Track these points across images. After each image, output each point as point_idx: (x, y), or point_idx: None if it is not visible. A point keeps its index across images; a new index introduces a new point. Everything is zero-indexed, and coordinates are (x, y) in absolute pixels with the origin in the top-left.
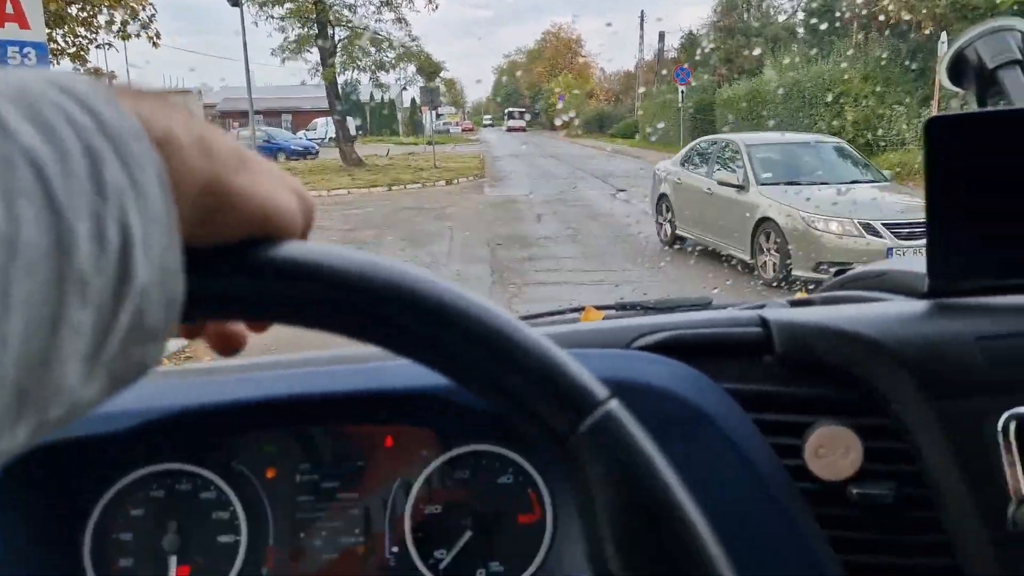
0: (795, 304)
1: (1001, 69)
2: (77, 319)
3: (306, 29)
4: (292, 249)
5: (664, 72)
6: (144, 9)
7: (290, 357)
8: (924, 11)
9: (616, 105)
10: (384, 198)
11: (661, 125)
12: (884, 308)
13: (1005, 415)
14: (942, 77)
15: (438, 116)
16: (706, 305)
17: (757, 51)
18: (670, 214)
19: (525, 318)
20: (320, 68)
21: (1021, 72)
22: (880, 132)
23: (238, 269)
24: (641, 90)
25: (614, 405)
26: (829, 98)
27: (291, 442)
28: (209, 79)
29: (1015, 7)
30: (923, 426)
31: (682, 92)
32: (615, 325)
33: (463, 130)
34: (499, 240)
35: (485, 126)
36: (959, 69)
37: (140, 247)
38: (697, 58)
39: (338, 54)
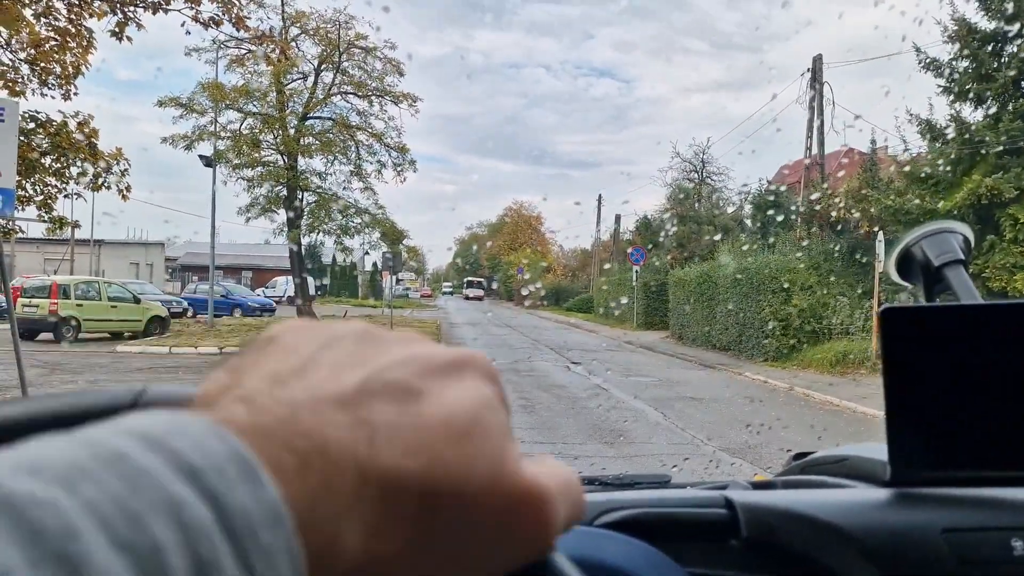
0: (757, 487)
1: (946, 267)
2: None
3: (275, 192)
4: None
5: (618, 253)
6: (118, 163)
7: None
8: (862, 211)
9: (573, 280)
10: None
11: (618, 301)
12: (849, 495)
13: None
14: (890, 271)
15: (398, 281)
16: (665, 483)
17: (718, 236)
18: None
19: None
20: (286, 229)
21: (964, 270)
22: (824, 321)
23: None
24: (606, 266)
25: None
26: (781, 285)
27: None
28: (178, 233)
29: (947, 214)
30: None
31: (636, 272)
32: None
33: (422, 296)
34: None
35: (444, 293)
36: (906, 265)
37: None
38: (651, 242)
39: (305, 217)
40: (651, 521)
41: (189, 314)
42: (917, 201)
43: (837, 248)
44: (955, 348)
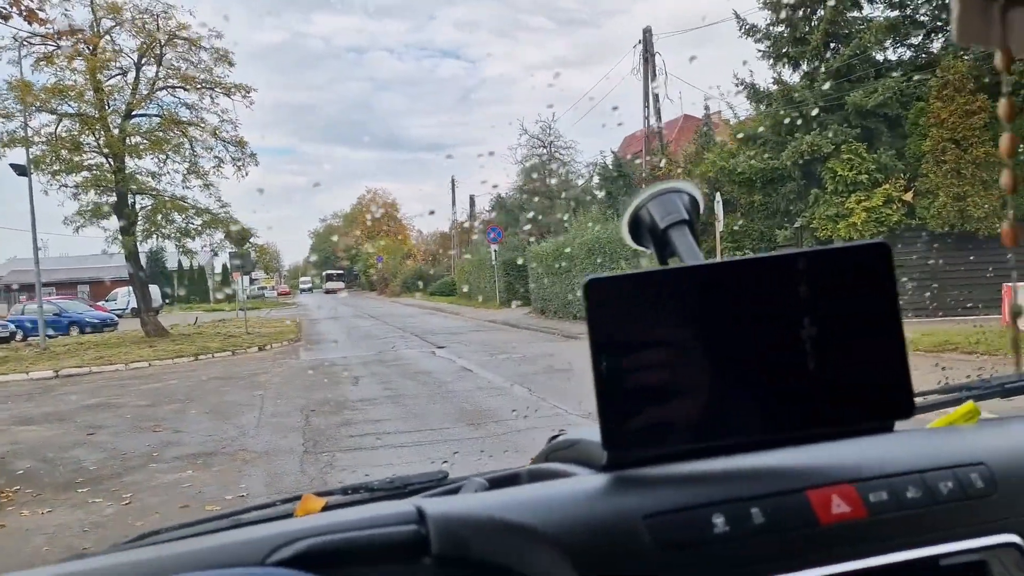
0: (494, 483)
1: (671, 229)
2: None
3: (103, 197)
4: None
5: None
6: None
7: None
8: (699, 174)
9: (434, 264)
10: (189, 369)
11: (478, 283)
12: (555, 488)
13: None
14: (624, 236)
15: (252, 281)
16: (441, 480)
17: (566, 216)
18: None
19: (229, 515)
20: (119, 236)
21: (689, 231)
22: None
23: None
24: (465, 255)
25: None
26: (633, 251)
27: None
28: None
29: (775, 172)
30: None
31: (495, 250)
32: (250, 537)
33: (279, 294)
34: (313, 407)
35: (303, 289)
36: (636, 229)
37: None
38: (507, 220)
39: (139, 222)
40: (330, 549)
41: (18, 338)
42: (752, 162)
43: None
44: (659, 316)
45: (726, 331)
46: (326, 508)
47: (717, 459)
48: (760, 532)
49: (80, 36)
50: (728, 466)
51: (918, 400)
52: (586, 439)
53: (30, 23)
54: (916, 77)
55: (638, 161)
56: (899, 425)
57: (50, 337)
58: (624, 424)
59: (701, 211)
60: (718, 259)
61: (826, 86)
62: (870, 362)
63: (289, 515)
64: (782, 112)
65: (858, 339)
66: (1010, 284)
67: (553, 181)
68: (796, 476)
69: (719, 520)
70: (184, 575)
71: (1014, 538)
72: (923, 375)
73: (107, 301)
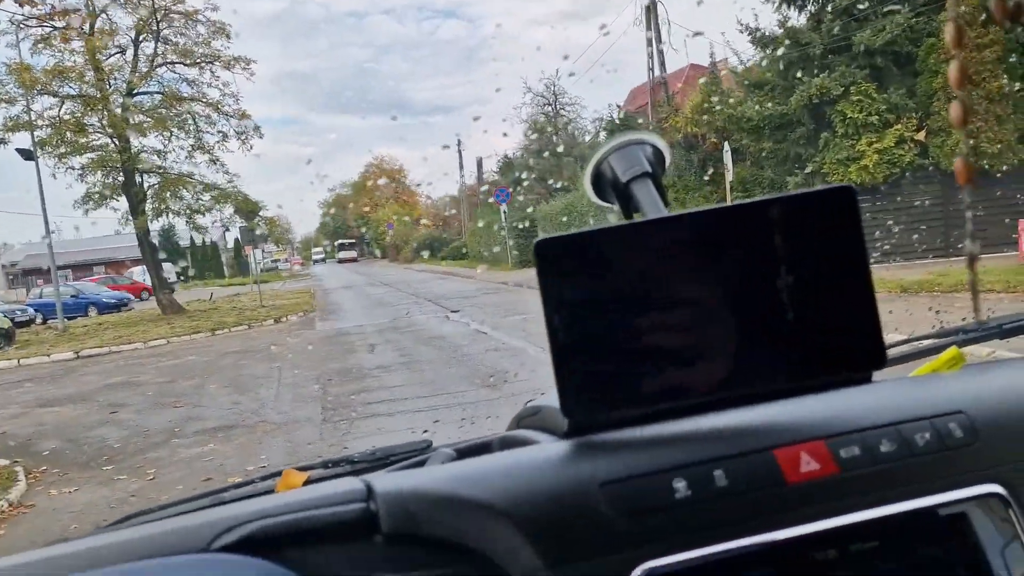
0: (463, 453)
1: (633, 182)
2: None
3: (111, 178)
4: None
5: (485, 196)
6: None
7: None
8: (707, 125)
9: (445, 229)
10: (207, 344)
11: (489, 245)
12: (513, 458)
13: (637, 572)
14: (588, 192)
15: (264, 254)
16: (425, 449)
17: (566, 173)
18: None
19: (212, 493)
20: (131, 217)
21: (652, 184)
22: None
23: None
24: (478, 220)
25: None
26: None
27: None
28: (14, 236)
29: (784, 117)
30: None
31: (504, 212)
32: (196, 523)
33: (293, 265)
34: (330, 376)
35: (316, 260)
36: (599, 184)
37: None
38: (515, 180)
39: (149, 201)
40: (276, 532)
41: (38, 321)
42: (757, 108)
43: (687, 163)
44: (614, 274)
45: (686, 286)
46: (308, 482)
47: (682, 421)
48: (724, 495)
49: (76, 15)
50: (692, 428)
51: (910, 347)
52: (549, 405)
53: (21, 5)
54: (925, 6)
55: (641, 121)
56: (879, 375)
57: (69, 318)
58: (583, 389)
59: (667, 163)
60: (677, 211)
61: (836, 29)
62: (839, 311)
63: (271, 491)
64: (788, 52)
65: (825, 288)
66: None
67: (558, 139)
68: (763, 434)
69: (680, 484)
70: (124, 565)
71: (997, 488)
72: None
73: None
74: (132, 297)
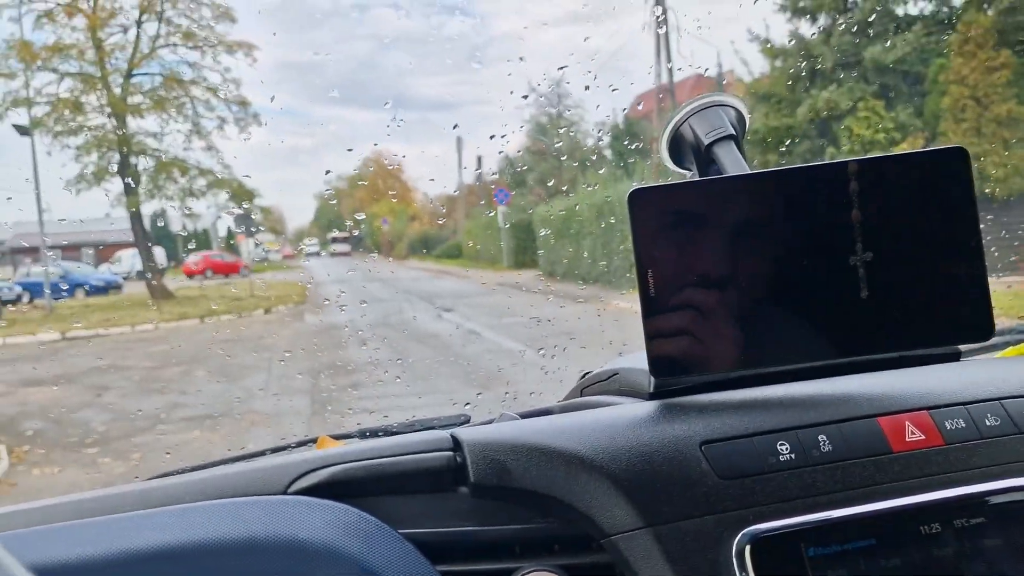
0: (528, 416)
1: (716, 144)
2: None
3: (105, 160)
4: None
5: (484, 194)
6: None
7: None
8: None
9: (441, 227)
10: (195, 331)
11: (485, 245)
12: (601, 416)
13: (739, 536)
14: (663, 157)
15: (256, 244)
16: (464, 422)
17: (573, 177)
18: None
19: (246, 456)
20: (123, 199)
21: (736, 146)
22: None
23: None
24: (475, 217)
25: None
26: None
27: None
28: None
29: (791, 131)
30: (644, 558)
31: (502, 211)
32: (275, 463)
33: (284, 256)
34: (320, 369)
35: (309, 252)
36: (678, 148)
37: None
38: (515, 180)
39: (143, 184)
40: (357, 477)
41: (25, 300)
42: (763, 120)
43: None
44: (710, 231)
45: (783, 247)
46: None
47: (776, 387)
48: (828, 460)
49: None
50: (789, 393)
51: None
52: (626, 367)
53: None
54: (937, 31)
55: (643, 119)
56: (965, 357)
57: (57, 299)
58: (671, 348)
59: (747, 126)
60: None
61: (844, 39)
62: (949, 279)
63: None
64: (796, 68)
65: (936, 254)
66: None
67: (561, 141)
68: (865, 403)
69: (784, 447)
70: (204, 503)
71: None
72: None
73: (111, 263)
74: (121, 281)
